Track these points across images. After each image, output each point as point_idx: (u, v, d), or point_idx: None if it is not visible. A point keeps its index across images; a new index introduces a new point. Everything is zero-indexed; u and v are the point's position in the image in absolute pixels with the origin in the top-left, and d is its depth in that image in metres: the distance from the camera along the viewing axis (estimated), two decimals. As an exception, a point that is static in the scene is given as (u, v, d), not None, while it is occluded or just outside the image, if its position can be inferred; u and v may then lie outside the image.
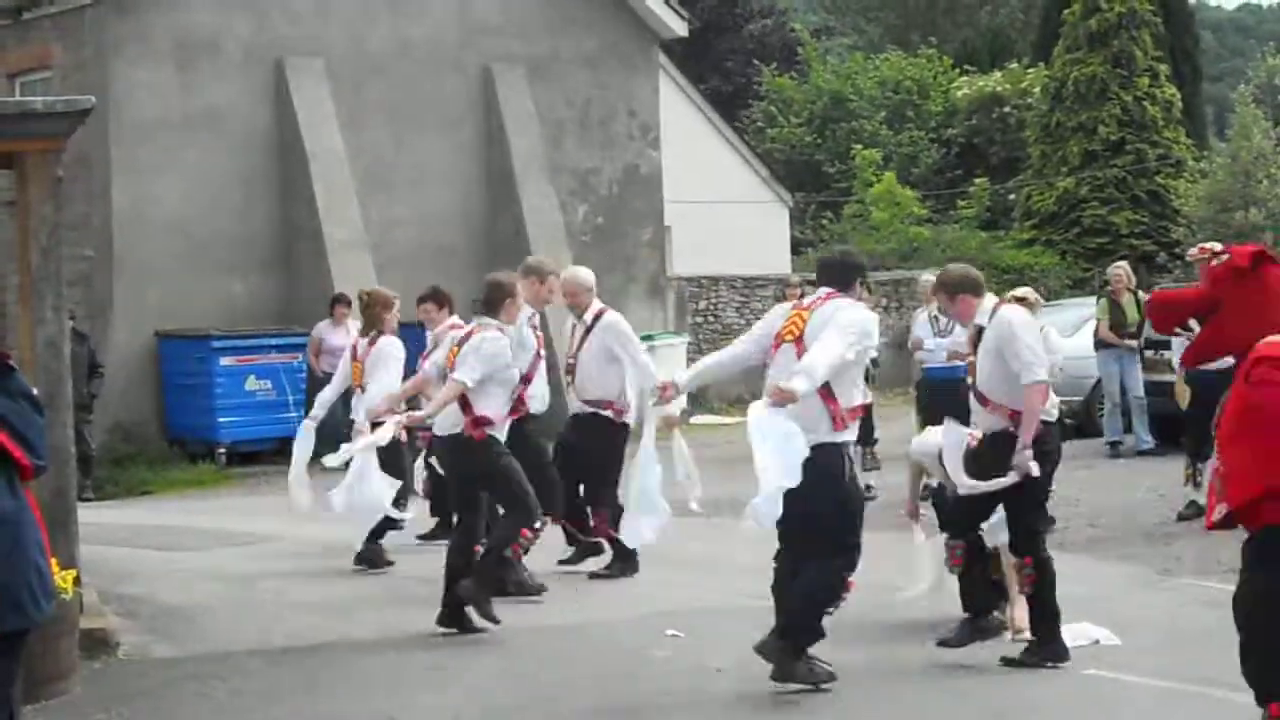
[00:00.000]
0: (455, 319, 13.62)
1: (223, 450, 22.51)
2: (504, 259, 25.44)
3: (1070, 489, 15.99)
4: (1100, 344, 20.15)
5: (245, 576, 14.09)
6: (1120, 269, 20.66)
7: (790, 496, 8.92)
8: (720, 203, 35.34)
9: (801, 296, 20.83)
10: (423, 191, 25.20)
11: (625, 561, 12.98)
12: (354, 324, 21.92)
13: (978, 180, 41.93)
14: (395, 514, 12.85)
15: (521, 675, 10.30)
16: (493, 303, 11.35)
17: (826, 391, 9.26)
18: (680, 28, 27.89)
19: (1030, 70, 43.43)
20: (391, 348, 13.94)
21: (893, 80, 46.49)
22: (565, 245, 25.71)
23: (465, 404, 11.12)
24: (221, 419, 22.41)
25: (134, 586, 13.55)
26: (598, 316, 13.27)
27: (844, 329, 9.33)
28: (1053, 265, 35.49)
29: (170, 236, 23.34)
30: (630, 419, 12.96)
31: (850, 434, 9.46)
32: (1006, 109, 44.24)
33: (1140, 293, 21.05)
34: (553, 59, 26.46)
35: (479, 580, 11.09)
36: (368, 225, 24.12)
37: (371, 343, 14.02)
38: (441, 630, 11.22)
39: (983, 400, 10.12)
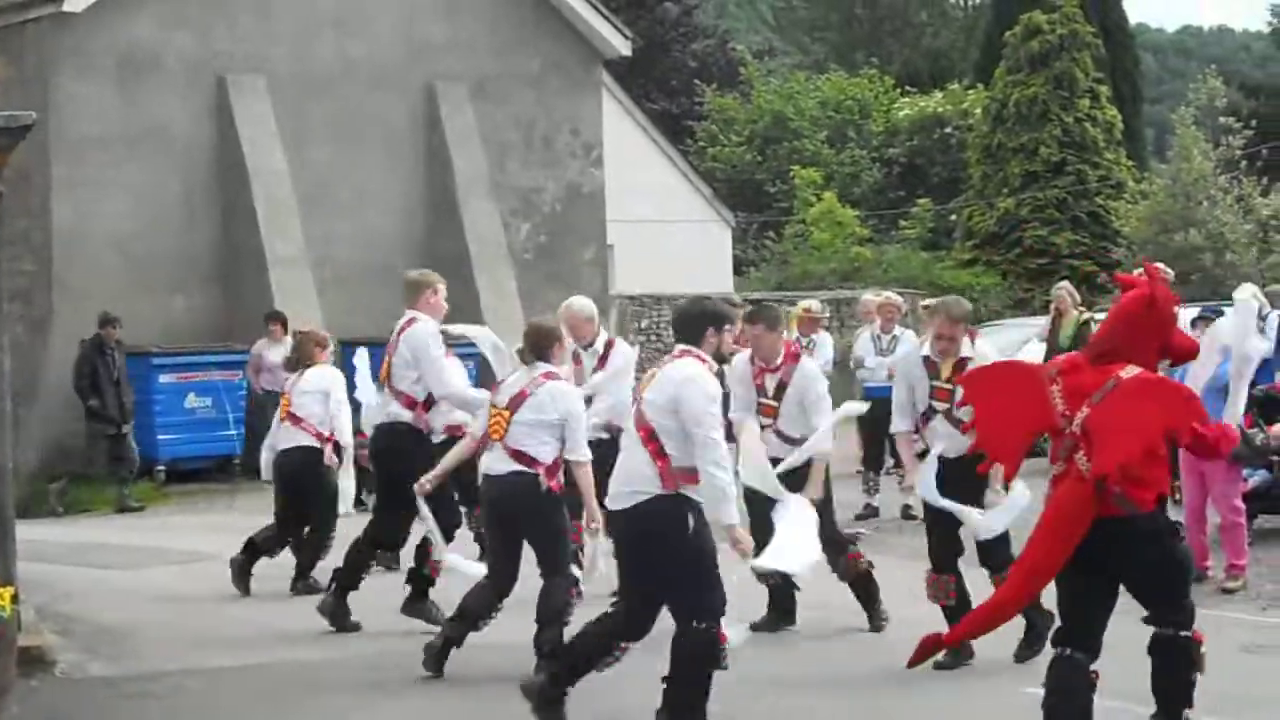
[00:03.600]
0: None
1: (162, 468, 22.31)
2: (446, 277, 25.37)
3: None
4: None
5: (183, 595, 14.03)
6: (1062, 289, 20.75)
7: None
8: (663, 222, 35.41)
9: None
10: (365, 209, 25.10)
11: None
12: (288, 341, 21.83)
13: (920, 201, 42.11)
14: None
15: (466, 692, 10.27)
16: None
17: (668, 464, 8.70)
18: (624, 47, 27.88)
19: (971, 91, 43.71)
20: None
21: (834, 100, 46.66)
22: (508, 263, 25.68)
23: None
24: (161, 436, 22.20)
25: (71, 604, 13.47)
26: (609, 346, 13.23)
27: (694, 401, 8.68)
28: (994, 285, 35.67)
29: (111, 253, 23.22)
30: None
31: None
32: (948, 129, 44.49)
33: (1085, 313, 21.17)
34: (496, 78, 26.42)
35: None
36: (309, 243, 24.01)
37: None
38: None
39: (961, 424, 10.49)
